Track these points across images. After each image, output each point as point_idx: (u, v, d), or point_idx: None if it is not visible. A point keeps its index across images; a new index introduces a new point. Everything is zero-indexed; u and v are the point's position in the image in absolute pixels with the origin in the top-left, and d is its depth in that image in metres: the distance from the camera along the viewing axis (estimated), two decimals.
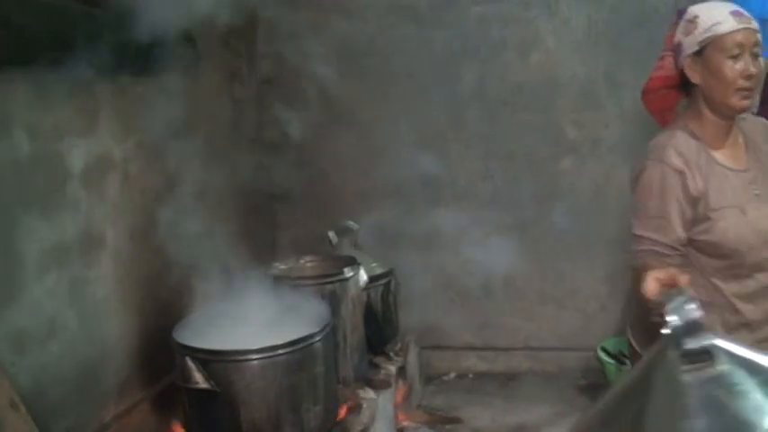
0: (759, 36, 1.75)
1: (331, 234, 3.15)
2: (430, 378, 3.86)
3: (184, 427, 2.26)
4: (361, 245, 3.30)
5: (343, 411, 2.44)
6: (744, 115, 1.91)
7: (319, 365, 2.18)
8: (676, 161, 1.78)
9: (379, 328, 3.06)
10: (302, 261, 3.04)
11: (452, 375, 3.92)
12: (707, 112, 1.82)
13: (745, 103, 1.77)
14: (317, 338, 2.15)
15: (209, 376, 2.05)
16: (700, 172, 1.78)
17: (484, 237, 3.89)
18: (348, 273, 2.64)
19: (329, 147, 3.92)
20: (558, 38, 3.75)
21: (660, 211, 1.76)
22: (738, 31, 1.72)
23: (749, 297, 1.79)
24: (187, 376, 2.07)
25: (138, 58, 2.35)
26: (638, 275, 1.57)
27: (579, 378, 3.83)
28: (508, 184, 3.86)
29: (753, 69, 1.73)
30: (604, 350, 3.68)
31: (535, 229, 3.87)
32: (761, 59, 1.75)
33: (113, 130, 2.38)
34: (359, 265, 2.76)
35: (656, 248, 1.77)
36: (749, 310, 1.79)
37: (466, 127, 3.86)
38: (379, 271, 3.08)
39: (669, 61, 1.93)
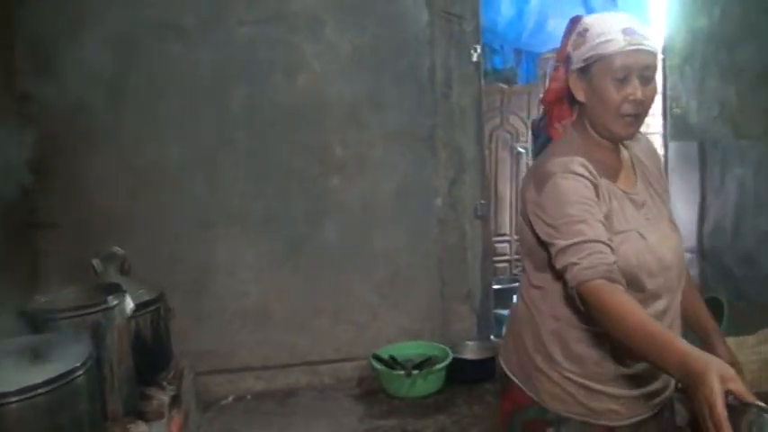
0: (653, 58, 1.56)
1: (95, 261, 2.99)
2: (208, 404, 3.78)
3: None
4: (129, 271, 3.16)
5: None
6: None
7: (83, 402, 2.06)
8: (586, 173, 1.57)
9: (150, 357, 2.94)
10: (65, 292, 2.85)
11: (231, 399, 3.88)
12: (592, 132, 1.66)
13: (630, 130, 1.60)
14: (79, 373, 2.03)
15: None
16: (603, 190, 1.59)
17: (257, 256, 3.92)
18: (112, 301, 2.52)
19: (94, 169, 3.72)
20: (323, 61, 3.89)
21: (584, 214, 1.51)
22: (626, 52, 1.52)
23: None
24: None
25: None
26: (590, 292, 1.43)
27: (355, 387, 3.97)
28: (280, 203, 3.92)
29: (639, 95, 1.54)
30: (377, 357, 3.85)
31: (308, 245, 3.97)
32: (654, 83, 1.58)
33: None
34: (124, 292, 2.64)
35: (595, 249, 1.47)
36: None
37: (236, 147, 3.86)
38: (147, 297, 2.96)
39: (561, 72, 1.73)
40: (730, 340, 2.96)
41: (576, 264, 1.46)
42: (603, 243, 1.47)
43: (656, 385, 1.65)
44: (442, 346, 3.99)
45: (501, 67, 6.16)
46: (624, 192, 1.63)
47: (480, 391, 3.84)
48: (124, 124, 3.73)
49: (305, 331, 4.01)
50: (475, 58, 4.02)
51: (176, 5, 3.72)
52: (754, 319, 3.25)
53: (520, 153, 6.06)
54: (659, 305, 1.60)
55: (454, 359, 3.87)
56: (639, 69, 1.53)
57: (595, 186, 1.57)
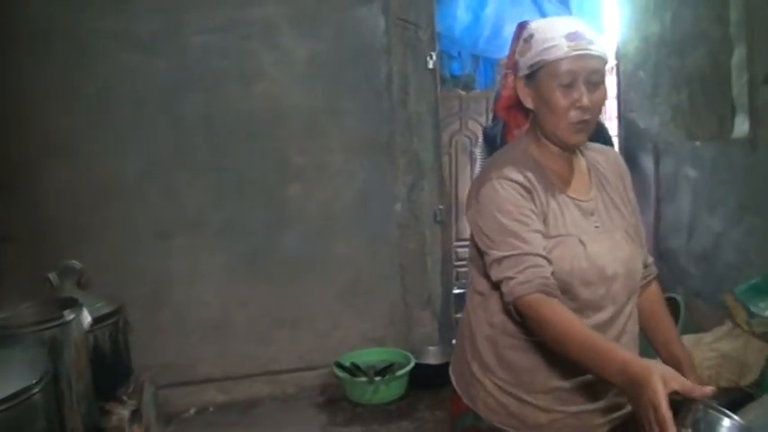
0: (600, 63, 1.52)
1: (52, 275, 2.92)
2: (169, 417, 3.72)
3: None
4: (87, 284, 3.11)
5: None
6: (595, 145, 1.74)
7: (40, 421, 2.01)
8: (521, 177, 1.55)
9: (110, 372, 2.89)
10: (21, 307, 2.78)
11: (192, 411, 3.83)
12: (543, 139, 1.62)
13: (579, 137, 1.57)
14: (36, 391, 1.98)
15: None
16: (540, 194, 1.56)
17: (217, 266, 3.88)
18: (69, 315, 2.47)
19: (50, 182, 3.66)
20: (280, 69, 3.88)
21: (517, 225, 1.50)
22: (571, 57, 1.48)
23: None
24: None
25: None
26: (527, 306, 1.44)
27: (317, 396, 3.96)
28: (239, 212, 3.89)
29: (585, 101, 1.50)
30: (339, 365, 3.85)
31: (268, 254, 3.95)
32: (603, 88, 1.54)
33: None
34: (81, 306, 2.59)
35: (531, 263, 1.46)
36: None
37: (193, 156, 3.82)
38: (105, 310, 2.90)
39: (510, 79, 1.73)
40: (688, 337, 3.04)
41: (512, 278, 1.46)
42: (540, 256, 1.47)
43: (597, 405, 1.57)
44: (403, 351, 4.00)
45: (459, 73, 6.21)
46: (572, 198, 1.60)
47: (443, 395, 3.85)
48: (80, 136, 3.67)
49: (266, 341, 3.99)
50: (431, 65, 4.06)
51: (131, 15, 3.67)
52: (709, 318, 3.34)
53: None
54: (601, 316, 1.55)
55: (416, 365, 3.88)
56: (586, 75, 1.50)
57: (529, 191, 1.55)
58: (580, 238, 1.55)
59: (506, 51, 6.22)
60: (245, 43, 3.82)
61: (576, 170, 1.65)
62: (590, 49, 1.49)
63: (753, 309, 2.76)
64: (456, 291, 4.48)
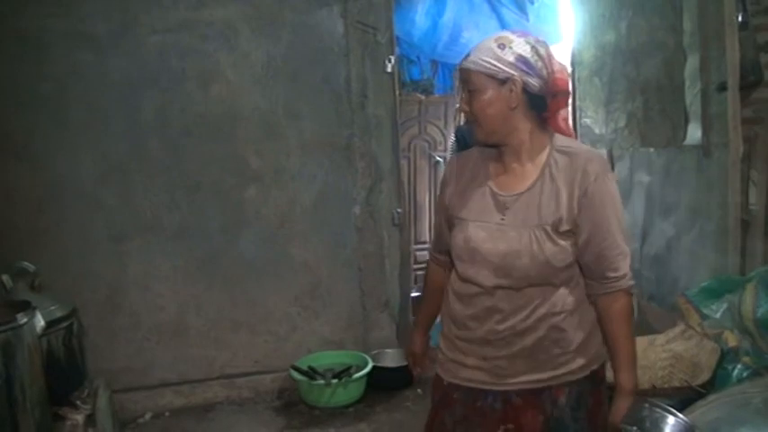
0: (471, 75, 1.69)
1: (5, 278, 2.86)
2: (125, 422, 3.66)
3: None
4: (40, 287, 3.04)
5: None
6: (579, 148, 1.78)
7: None
8: (449, 166, 1.93)
9: (64, 376, 2.84)
10: None
11: (148, 416, 3.77)
12: None
13: (476, 133, 1.76)
14: None
15: None
16: (461, 180, 1.85)
17: (173, 269, 3.84)
18: (21, 319, 2.41)
19: (2, 180, 3.56)
20: (238, 71, 3.85)
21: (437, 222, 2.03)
22: (459, 68, 1.73)
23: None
24: None
25: None
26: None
27: (274, 399, 3.94)
28: (195, 215, 3.85)
29: (463, 106, 1.74)
30: (296, 368, 3.83)
31: (224, 257, 3.91)
32: (479, 96, 1.69)
33: None
34: (34, 309, 2.54)
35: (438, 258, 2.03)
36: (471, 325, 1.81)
37: (149, 157, 3.77)
38: (59, 314, 2.85)
39: None
40: (642, 339, 3.11)
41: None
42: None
43: (485, 363, 1.78)
44: (361, 354, 4.01)
45: (418, 78, 6.26)
46: (492, 190, 1.78)
47: (400, 398, 3.89)
48: (32, 134, 3.59)
49: (223, 344, 3.95)
50: (389, 69, 4.08)
51: (87, 13, 3.60)
52: (663, 319, 3.43)
53: (437, 162, 6.17)
54: (471, 289, 1.78)
55: (374, 367, 3.89)
56: (464, 84, 1.72)
57: (445, 182, 1.92)
58: (471, 223, 1.78)
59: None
60: (202, 44, 3.78)
61: (512, 166, 1.78)
62: (464, 63, 1.71)
63: (705, 311, 2.84)
64: (414, 294, 4.51)
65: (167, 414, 3.80)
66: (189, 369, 3.91)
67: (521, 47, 1.67)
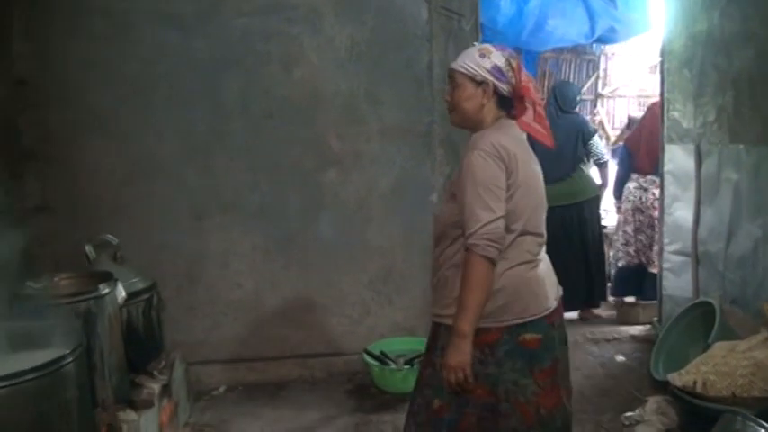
0: (452, 72, 2.17)
1: (88, 248, 2.99)
2: (199, 394, 3.78)
3: None
4: (122, 259, 3.16)
5: None
6: (478, 135, 2.17)
7: (72, 390, 2.06)
8: None
9: (142, 346, 2.95)
10: (57, 278, 2.84)
11: (222, 389, 3.88)
12: None
13: (452, 119, 2.23)
14: (68, 361, 2.03)
15: None
16: None
17: (251, 248, 3.91)
18: (104, 289, 2.52)
19: (89, 155, 3.71)
20: (321, 54, 3.87)
21: None
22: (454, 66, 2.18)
23: None
24: None
25: None
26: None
27: (346, 382, 3.97)
28: (275, 196, 3.91)
29: (446, 96, 2.22)
30: (368, 353, 3.85)
31: (302, 238, 3.96)
32: (459, 91, 2.14)
33: None
34: (116, 280, 2.65)
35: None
36: None
37: (231, 138, 3.84)
38: (139, 286, 2.97)
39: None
40: (722, 344, 2.97)
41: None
42: None
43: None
44: None
45: None
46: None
47: None
48: (118, 112, 3.72)
49: (297, 324, 4.01)
50: None
51: None
52: (745, 325, 3.26)
53: None
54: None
55: None
56: (450, 80, 2.20)
57: None
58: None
59: (549, 45, 6.18)
60: (287, 27, 3.82)
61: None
62: (452, 64, 2.20)
63: None
64: None
65: (240, 388, 3.90)
66: (263, 346, 3.99)
67: (497, 58, 2.12)
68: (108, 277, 2.63)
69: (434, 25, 3.94)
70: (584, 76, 7.52)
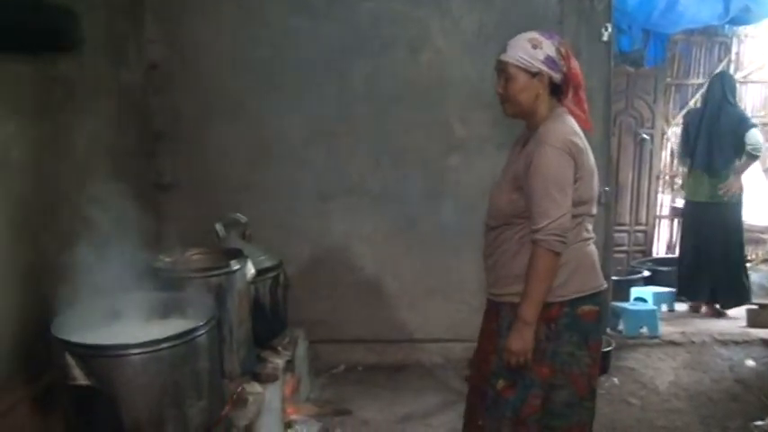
0: (502, 65, 2.18)
1: (218, 226, 3.09)
2: (319, 371, 3.87)
3: (65, 426, 2.16)
4: (250, 237, 3.27)
5: (228, 406, 2.42)
6: (547, 131, 2.17)
7: (203, 360, 2.14)
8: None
9: (267, 322, 3.04)
10: (188, 253, 2.96)
11: (342, 368, 3.96)
12: None
13: (504, 110, 2.26)
14: (201, 332, 2.11)
15: (89, 373, 1.96)
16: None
17: (373, 231, 3.94)
18: (235, 265, 2.60)
19: (218, 137, 3.86)
20: (448, 38, 3.84)
21: None
22: (497, 59, 2.22)
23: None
24: (66, 373, 1.97)
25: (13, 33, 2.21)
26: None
27: (464, 368, 3.93)
28: (398, 180, 3.93)
29: (498, 89, 2.23)
30: None
31: (423, 223, 3.95)
32: (513, 83, 2.16)
33: None
34: (246, 257, 2.73)
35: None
36: None
37: (357, 122, 3.89)
38: (267, 264, 3.05)
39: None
40: None
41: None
42: None
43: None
44: None
45: (627, 49, 5.89)
46: (512, 154, 2.34)
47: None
48: (247, 95, 3.83)
49: (416, 309, 4.02)
50: (605, 38, 3.87)
51: None
52: None
53: (644, 139, 5.81)
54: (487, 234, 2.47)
55: None
56: (500, 72, 2.21)
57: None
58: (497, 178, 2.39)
59: (680, 26, 5.84)
60: (414, 10, 3.81)
61: (524, 139, 2.28)
62: (501, 55, 2.20)
63: None
64: (613, 277, 4.28)
65: (360, 368, 3.96)
66: (382, 329, 4.03)
67: (549, 48, 2.14)
68: (238, 254, 2.72)
69: (565, 6, 3.82)
70: (716, 59, 7.07)
